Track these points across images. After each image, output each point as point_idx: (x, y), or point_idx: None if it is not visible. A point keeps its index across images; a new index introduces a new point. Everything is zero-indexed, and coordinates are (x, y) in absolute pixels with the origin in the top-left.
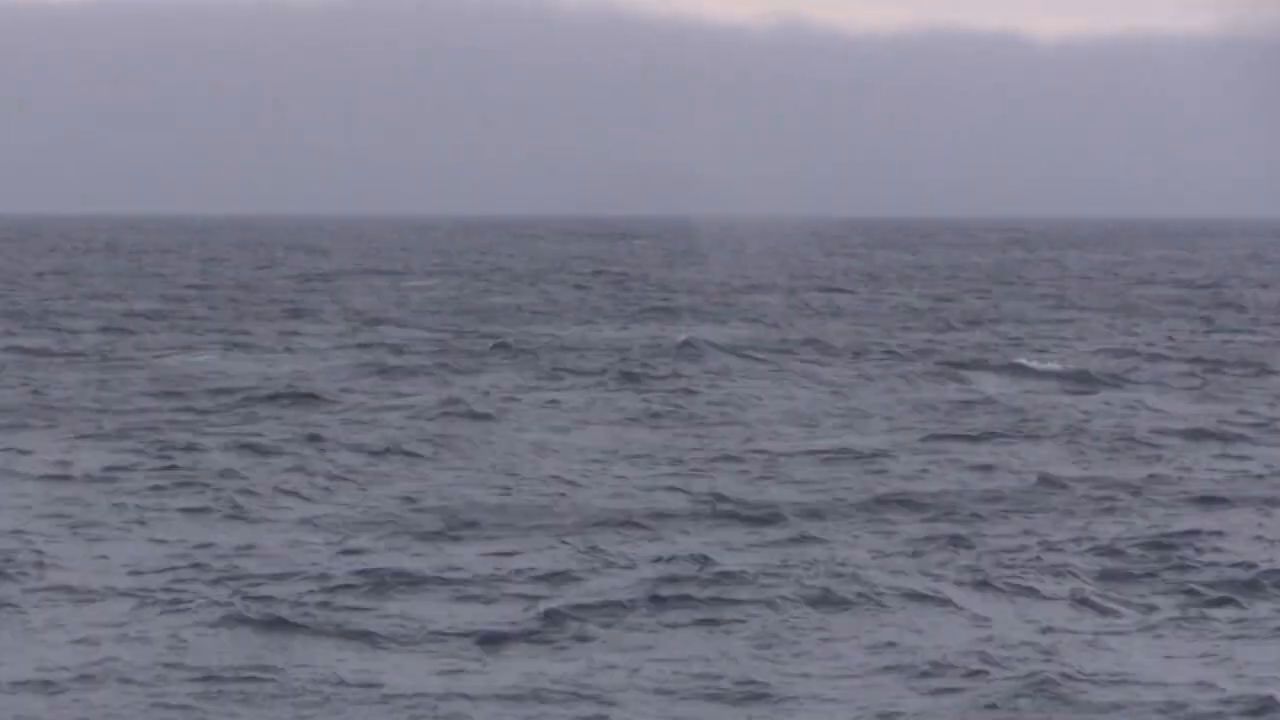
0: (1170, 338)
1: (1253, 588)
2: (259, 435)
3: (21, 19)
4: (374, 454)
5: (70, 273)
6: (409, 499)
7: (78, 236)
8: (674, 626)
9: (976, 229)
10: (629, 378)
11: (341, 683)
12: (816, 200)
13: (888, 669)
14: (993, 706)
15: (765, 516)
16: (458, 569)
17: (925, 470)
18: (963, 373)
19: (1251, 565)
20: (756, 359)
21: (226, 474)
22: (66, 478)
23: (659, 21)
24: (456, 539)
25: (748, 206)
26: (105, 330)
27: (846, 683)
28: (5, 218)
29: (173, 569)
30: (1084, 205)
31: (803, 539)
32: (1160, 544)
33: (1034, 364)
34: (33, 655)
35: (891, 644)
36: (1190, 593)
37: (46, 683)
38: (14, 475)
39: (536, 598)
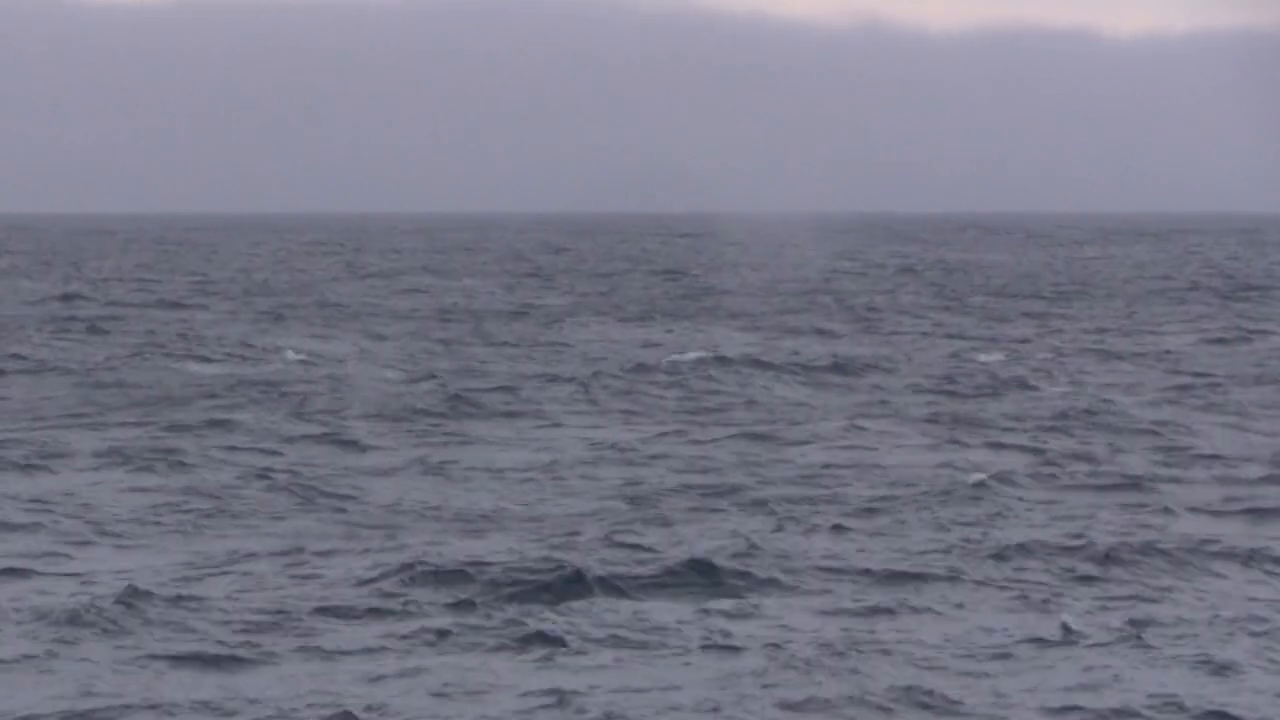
0: (1220, 338)
1: (1210, 598)
2: (270, 438)
3: (93, 20)
4: (385, 456)
5: (137, 275)
6: (420, 505)
7: (151, 235)
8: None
9: (1048, 225)
10: (663, 385)
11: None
12: (890, 196)
13: (808, 671)
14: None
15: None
16: (457, 573)
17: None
18: (1009, 385)
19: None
20: (795, 368)
21: (227, 484)
22: (70, 490)
23: (734, 18)
24: (459, 540)
25: (818, 203)
26: (141, 338)
27: (803, 676)
28: (77, 217)
29: (149, 586)
30: (1161, 201)
31: (781, 531)
32: (1136, 555)
33: (1068, 378)
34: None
35: (850, 638)
36: (1150, 603)
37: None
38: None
39: (528, 605)
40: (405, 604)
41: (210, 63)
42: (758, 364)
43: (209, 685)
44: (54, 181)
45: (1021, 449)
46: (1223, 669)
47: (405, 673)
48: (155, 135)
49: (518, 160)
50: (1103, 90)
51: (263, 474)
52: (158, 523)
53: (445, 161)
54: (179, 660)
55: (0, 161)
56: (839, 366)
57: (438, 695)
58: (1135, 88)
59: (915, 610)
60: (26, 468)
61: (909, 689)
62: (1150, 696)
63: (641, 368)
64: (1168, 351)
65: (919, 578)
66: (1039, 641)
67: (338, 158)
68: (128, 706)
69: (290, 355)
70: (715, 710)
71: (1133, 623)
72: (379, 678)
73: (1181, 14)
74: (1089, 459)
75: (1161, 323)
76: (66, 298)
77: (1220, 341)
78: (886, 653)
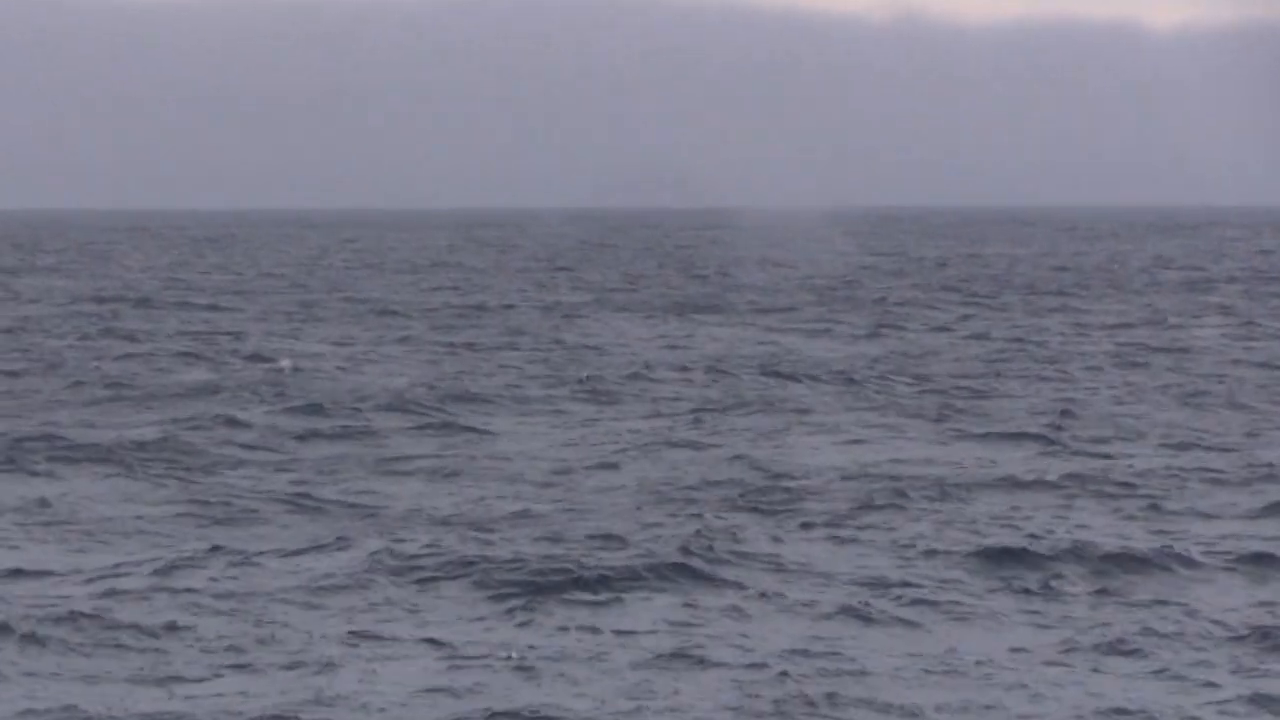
0: (1245, 335)
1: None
2: (282, 437)
3: (126, 18)
4: (392, 454)
5: (169, 273)
6: (425, 504)
7: (187, 231)
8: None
9: (1083, 218)
10: (675, 384)
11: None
12: (925, 190)
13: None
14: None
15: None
16: (456, 574)
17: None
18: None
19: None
20: (810, 367)
21: (232, 486)
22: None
23: (770, 12)
24: (460, 540)
25: (850, 198)
26: (160, 341)
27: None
28: (101, 213)
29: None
30: (1198, 193)
31: (776, 533)
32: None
33: (1086, 377)
34: None
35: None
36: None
37: None
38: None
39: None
40: (402, 605)
41: (244, 56)
42: (773, 363)
43: (201, 691)
44: (64, 181)
45: (1026, 450)
46: (1218, 675)
47: (401, 675)
48: (177, 133)
49: (538, 157)
50: (1141, 82)
51: (270, 474)
52: (157, 524)
53: (463, 159)
54: (170, 665)
55: (14, 158)
56: (855, 366)
57: (432, 695)
58: (1174, 80)
59: (902, 615)
60: (31, 471)
61: (884, 700)
62: (1136, 710)
63: (656, 367)
64: (1189, 348)
65: (910, 582)
66: (1025, 651)
67: (363, 154)
68: (114, 716)
69: (308, 353)
70: (701, 715)
71: (1126, 632)
72: (374, 682)
73: (1220, 6)
74: (1093, 459)
75: (1187, 318)
76: (98, 299)
77: (1246, 338)
78: (868, 659)
